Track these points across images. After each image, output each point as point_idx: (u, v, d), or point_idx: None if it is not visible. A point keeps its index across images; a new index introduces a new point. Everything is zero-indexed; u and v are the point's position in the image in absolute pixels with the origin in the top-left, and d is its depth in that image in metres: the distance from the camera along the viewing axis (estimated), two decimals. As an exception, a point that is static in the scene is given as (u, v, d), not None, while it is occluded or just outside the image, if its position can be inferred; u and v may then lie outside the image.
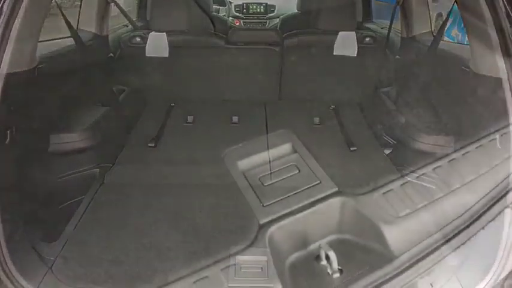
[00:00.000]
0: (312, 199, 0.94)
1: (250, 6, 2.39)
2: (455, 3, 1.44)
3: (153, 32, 1.37)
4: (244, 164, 1.02)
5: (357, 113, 1.14)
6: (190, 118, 1.14)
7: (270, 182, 0.97)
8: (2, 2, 0.96)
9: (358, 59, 1.35)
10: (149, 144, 1.06)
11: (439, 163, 1.03)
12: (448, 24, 1.45)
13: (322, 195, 0.95)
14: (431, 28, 1.47)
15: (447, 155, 1.05)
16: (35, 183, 0.98)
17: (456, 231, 0.95)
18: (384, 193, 0.97)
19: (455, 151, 1.06)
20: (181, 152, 1.05)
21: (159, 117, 1.14)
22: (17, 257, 0.85)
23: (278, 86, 1.25)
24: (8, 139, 1.07)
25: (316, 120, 1.13)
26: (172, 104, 1.17)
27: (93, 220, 0.90)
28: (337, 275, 0.88)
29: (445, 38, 1.46)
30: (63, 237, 0.88)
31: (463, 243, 0.93)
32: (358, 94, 1.22)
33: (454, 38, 2.31)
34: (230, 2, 2.62)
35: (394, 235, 0.91)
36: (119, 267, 0.84)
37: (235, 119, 1.14)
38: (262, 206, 0.93)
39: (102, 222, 0.90)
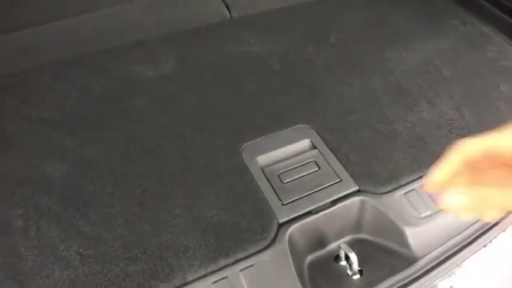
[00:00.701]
0: (332, 198, 0.92)
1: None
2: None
3: None
4: (263, 159, 0.99)
5: (377, 110, 1.11)
6: (206, 111, 1.11)
7: (290, 180, 0.95)
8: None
9: None
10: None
11: None
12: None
13: (343, 193, 0.93)
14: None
15: None
16: (48, 176, 0.96)
17: (477, 234, 0.93)
18: (405, 193, 0.94)
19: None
20: (200, 147, 1.02)
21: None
22: (33, 254, 0.84)
23: (297, 77, 1.22)
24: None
25: (336, 113, 1.09)
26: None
27: (110, 217, 0.89)
28: (357, 276, 0.87)
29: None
30: (80, 234, 0.86)
31: (484, 246, 0.92)
32: (379, 90, 1.18)
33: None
34: None
35: (416, 236, 0.89)
36: (137, 266, 0.82)
37: (254, 111, 1.10)
38: (282, 204, 0.90)
39: (119, 218, 0.89)
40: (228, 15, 1.44)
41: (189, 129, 1.06)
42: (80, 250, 0.84)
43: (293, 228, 0.87)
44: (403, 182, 0.96)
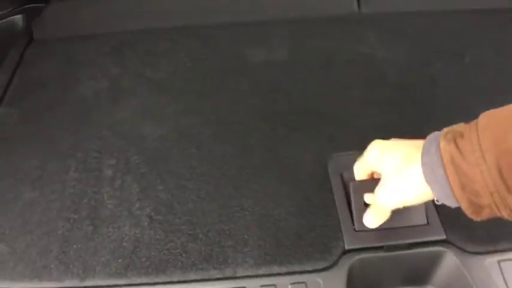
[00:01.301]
0: (412, 240, 0.83)
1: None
2: None
3: None
4: (348, 175, 0.93)
5: None
6: (305, 108, 1.07)
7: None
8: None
9: None
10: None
11: None
12: None
13: (425, 239, 0.83)
14: None
15: None
16: (145, 137, 1.03)
17: None
18: (499, 261, 0.81)
19: None
20: (288, 145, 1.00)
21: None
22: (112, 204, 0.91)
23: None
24: None
25: None
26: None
27: (186, 190, 0.93)
28: (414, 333, 0.79)
29: None
30: (156, 198, 0.91)
31: None
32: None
33: None
34: None
35: (500, 314, 0.77)
36: (196, 245, 0.85)
37: (354, 120, 1.03)
38: (354, 230, 0.84)
39: (193, 194, 0.92)
40: (357, 9, 1.34)
41: (283, 124, 1.04)
42: (152, 214, 0.89)
43: (357, 258, 0.81)
44: (502, 247, 0.82)
